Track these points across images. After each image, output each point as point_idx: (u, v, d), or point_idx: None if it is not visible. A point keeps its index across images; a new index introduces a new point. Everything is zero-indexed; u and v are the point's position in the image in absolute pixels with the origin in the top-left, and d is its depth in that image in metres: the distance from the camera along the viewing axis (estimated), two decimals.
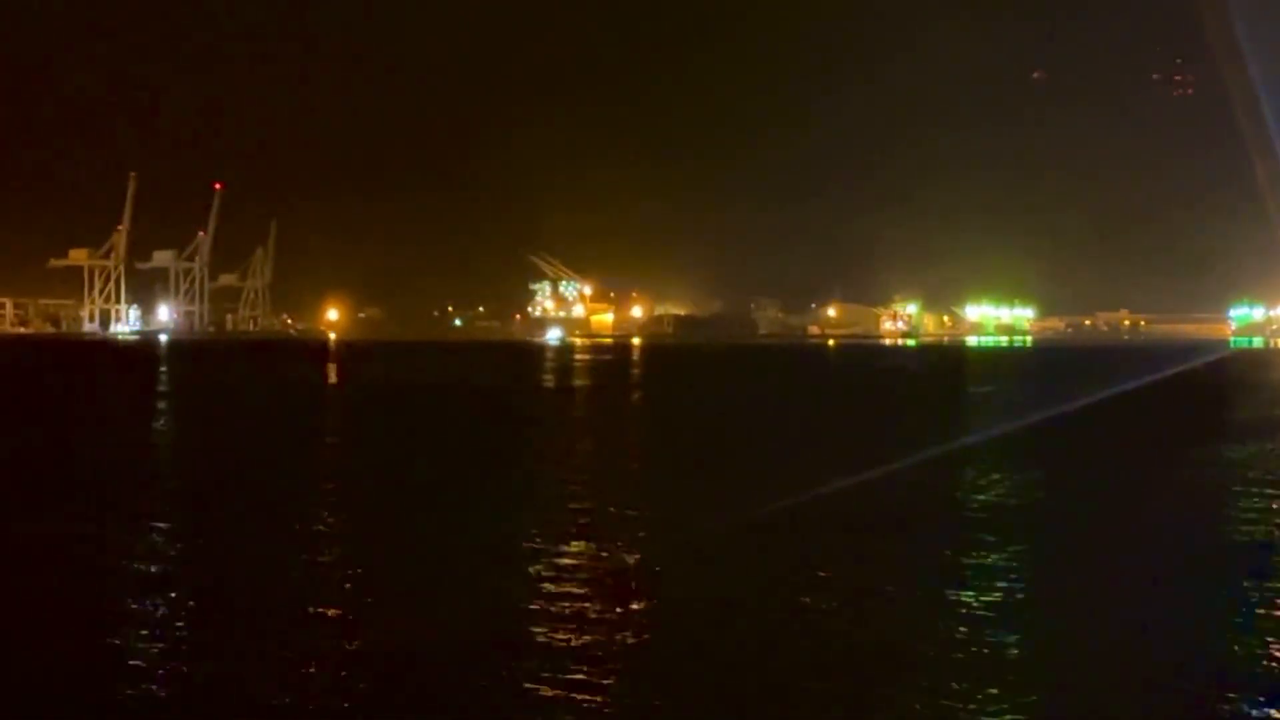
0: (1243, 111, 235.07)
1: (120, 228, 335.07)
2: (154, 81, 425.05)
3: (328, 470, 43.68)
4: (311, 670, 18.56)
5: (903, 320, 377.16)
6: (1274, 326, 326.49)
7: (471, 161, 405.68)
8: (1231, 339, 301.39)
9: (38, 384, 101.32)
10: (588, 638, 19.97)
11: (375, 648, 19.65)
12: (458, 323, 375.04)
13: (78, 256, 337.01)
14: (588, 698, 17.19)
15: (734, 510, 32.20)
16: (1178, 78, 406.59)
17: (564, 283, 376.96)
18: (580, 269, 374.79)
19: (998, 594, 23.12)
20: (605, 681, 17.87)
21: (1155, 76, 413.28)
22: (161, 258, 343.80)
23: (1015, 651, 19.55)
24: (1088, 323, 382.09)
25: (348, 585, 24.36)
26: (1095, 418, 66.46)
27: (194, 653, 19.45)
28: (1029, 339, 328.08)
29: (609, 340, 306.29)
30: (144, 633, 20.54)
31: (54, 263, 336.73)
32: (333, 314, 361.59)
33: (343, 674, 18.39)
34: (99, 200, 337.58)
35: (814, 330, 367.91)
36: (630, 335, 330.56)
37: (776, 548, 27.80)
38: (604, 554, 26.78)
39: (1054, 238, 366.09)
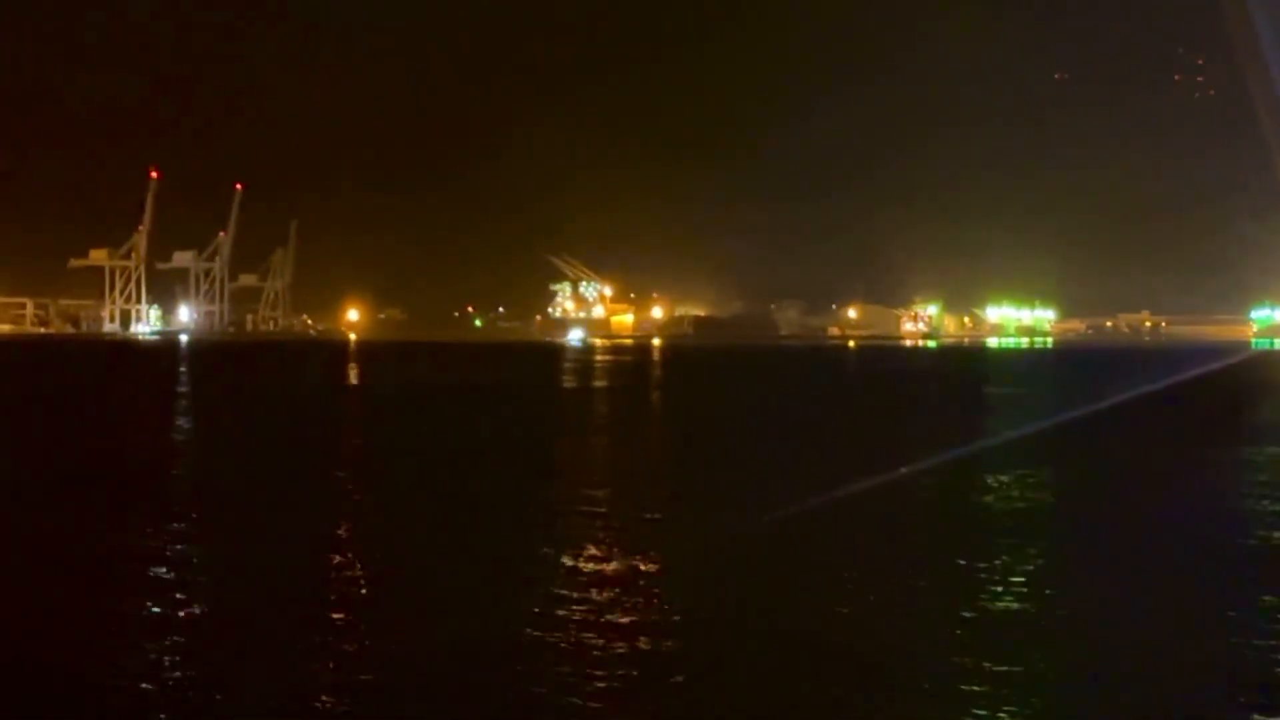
0: (1265, 112, 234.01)
1: (141, 228, 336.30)
2: (175, 82, 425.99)
3: (353, 469, 43.60)
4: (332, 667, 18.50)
5: (923, 322, 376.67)
6: None
7: (492, 162, 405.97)
8: (1253, 341, 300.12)
9: (61, 384, 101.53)
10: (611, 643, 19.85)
11: (390, 649, 19.59)
12: (478, 323, 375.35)
13: (98, 257, 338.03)
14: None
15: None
16: (1200, 78, 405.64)
17: (584, 283, 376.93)
18: (600, 270, 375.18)
19: (1038, 603, 22.92)
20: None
21: (1177, 77, 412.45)
22: (182, 258, 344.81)
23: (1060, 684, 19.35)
24: (1109, 324, 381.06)
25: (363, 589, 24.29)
26: (1118, 421, 66.14)
27: (204, 653, 19.39)
28: (1049, 341, 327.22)
29: (629, 341, 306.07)
30: (156, 632, 20.51)
31: (74, 263, 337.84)
32: (353, 314, 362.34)
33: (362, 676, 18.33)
34: (120, 201, 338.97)
35: (834, 331, 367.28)
36: (650, 336, 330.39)
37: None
38: (626, 559, 26.64)
39: (1075, 238, 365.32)
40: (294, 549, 27.88)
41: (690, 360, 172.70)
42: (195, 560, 27.01)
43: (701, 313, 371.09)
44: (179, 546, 28.36)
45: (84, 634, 20.61)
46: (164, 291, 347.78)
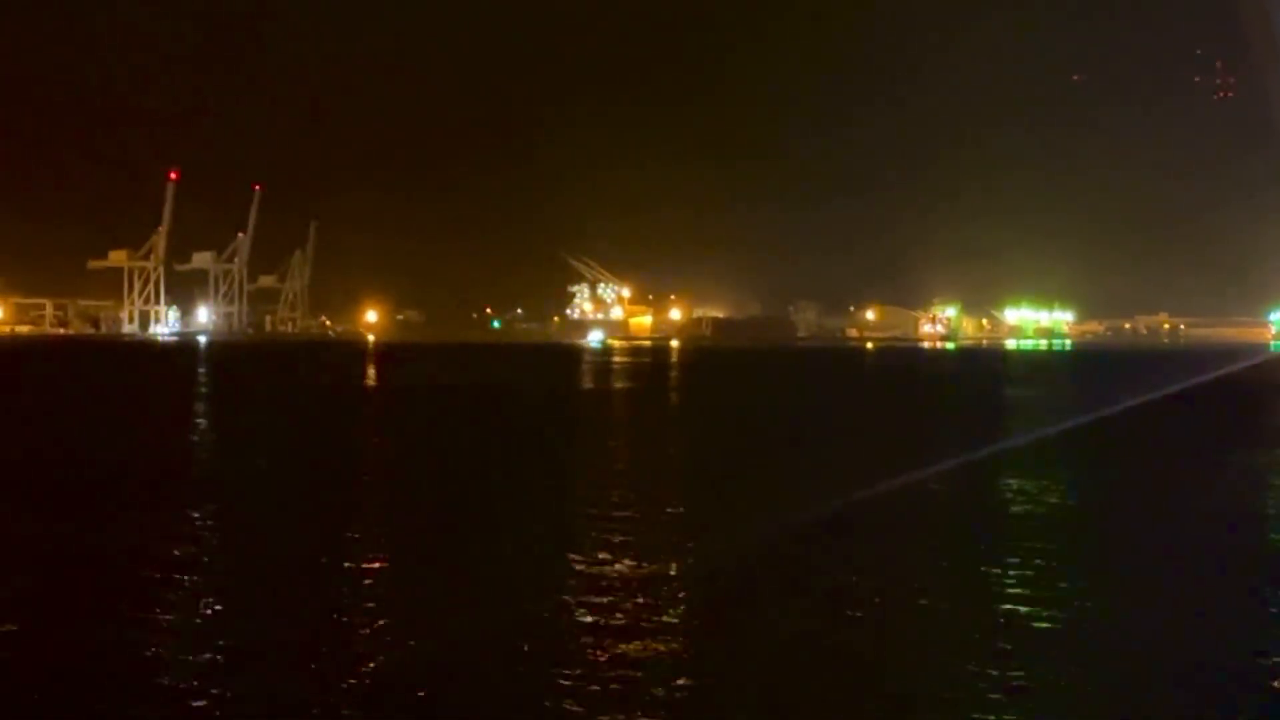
0: None
1: (160, 229, 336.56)
2: (194, 83, 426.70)
3: (376, 472, 43.63)
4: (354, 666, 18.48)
5: (941, 323, 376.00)
6: None
7: (511, 164, 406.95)
8: (1272, 343, 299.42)
9: (87, 384, 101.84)
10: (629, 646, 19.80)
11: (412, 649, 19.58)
12: (496, 325, 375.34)
13: (117, 258, 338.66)
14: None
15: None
16: (1219, 81, 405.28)
17: (602, 285, 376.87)
18: (619, 271, 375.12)
19: (1071, 611, 22.81)
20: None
21: (1196, 79, 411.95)
22: (201, 259, 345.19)
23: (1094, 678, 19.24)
24: (1127, 326, 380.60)
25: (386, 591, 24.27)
26: (1140, 422, 65.98)
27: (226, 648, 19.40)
28: (1068, 342, 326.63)
29: (648, 343, 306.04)
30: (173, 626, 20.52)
31: (93, 264, 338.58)
32: (371, 316, 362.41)
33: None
34: (139, 202, 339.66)
35: (852, 333, 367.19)
36: (669, 337, 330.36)
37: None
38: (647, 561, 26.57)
39: (1094, 240, 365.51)
40: (316, 551, 27.87)
41: (711, 362, 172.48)
42: (206, 560, 27.04)
43: (720, 314, 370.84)
44: (202, 539, 28.41)
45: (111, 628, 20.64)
46: (183, 293, 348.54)
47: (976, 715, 16.72)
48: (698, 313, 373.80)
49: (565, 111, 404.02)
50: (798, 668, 19.15)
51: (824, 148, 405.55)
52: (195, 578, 25.00)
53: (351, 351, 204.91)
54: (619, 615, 21.55)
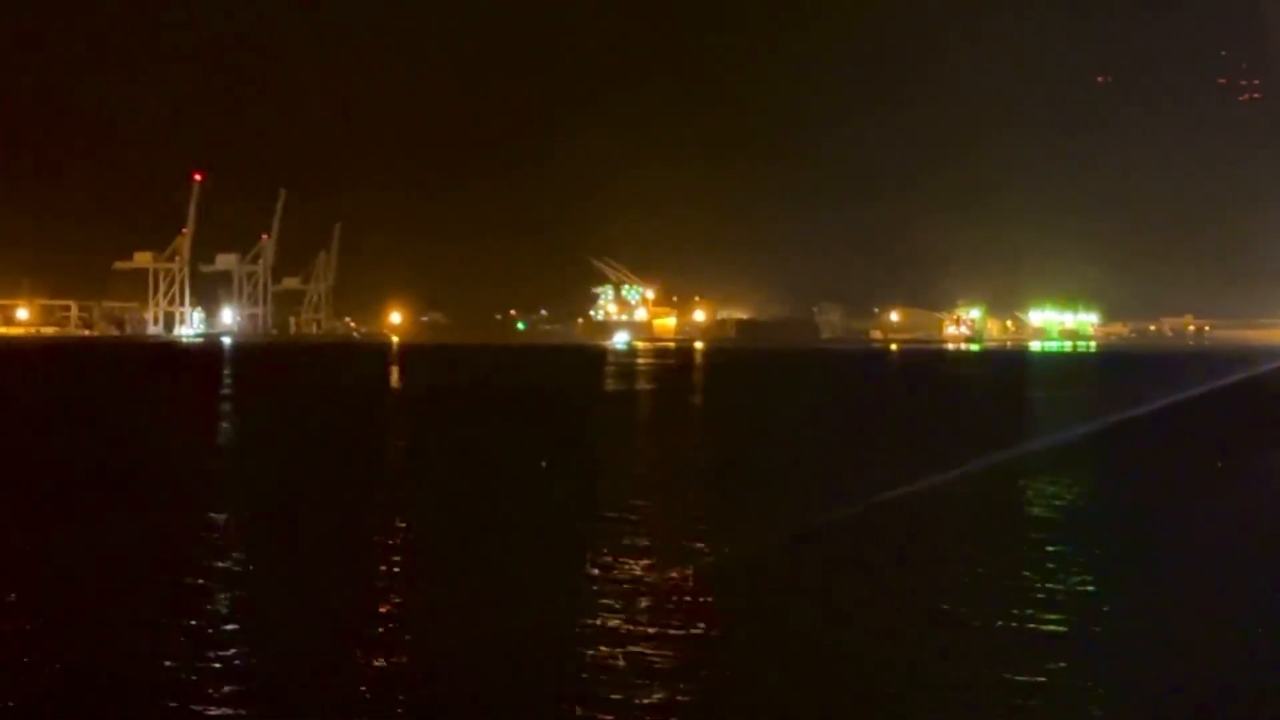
0: None
1: (184, 231, 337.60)
2: (220, 85, 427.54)
3: (399, 471, 43.71)
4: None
5: (965, 325, 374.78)
6: None
7: (535, 166, 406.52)
8: None
9: (118, 387, 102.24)
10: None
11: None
12: (520, 326, 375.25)
13: (142, 259, 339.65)
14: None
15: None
16: (1243, 82, 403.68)
17: (627, 287, 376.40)
18: (643, 273, 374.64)
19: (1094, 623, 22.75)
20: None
21: (1221, 81, 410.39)
22: (225, 260, 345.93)
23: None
24: (1152, 328, 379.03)
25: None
26: (1165, 423, 65.82)
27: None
28: (1093, 344, 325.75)
29: (672, 344, 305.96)
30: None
31: (118, 265, 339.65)
32: (395, 317, 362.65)
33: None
34: (163, 203, 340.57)
35: (876, 335, 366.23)
36: (693, 339, 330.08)
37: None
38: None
39: (1119, 242, 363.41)
40: (336, 553, 27.93)
41: (735, 364, 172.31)
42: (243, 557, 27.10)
43: (744, 316, 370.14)
44: (235, 539, 28.48)
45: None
46: (207, 294, 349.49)
47: None
48: (722, 314, 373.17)
49: (590, 114, 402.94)
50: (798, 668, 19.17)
51: (849, 149, 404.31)
52: (217, 582, 25.10)
53: (377, 353, 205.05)
54: (639, 618, 21.59)
